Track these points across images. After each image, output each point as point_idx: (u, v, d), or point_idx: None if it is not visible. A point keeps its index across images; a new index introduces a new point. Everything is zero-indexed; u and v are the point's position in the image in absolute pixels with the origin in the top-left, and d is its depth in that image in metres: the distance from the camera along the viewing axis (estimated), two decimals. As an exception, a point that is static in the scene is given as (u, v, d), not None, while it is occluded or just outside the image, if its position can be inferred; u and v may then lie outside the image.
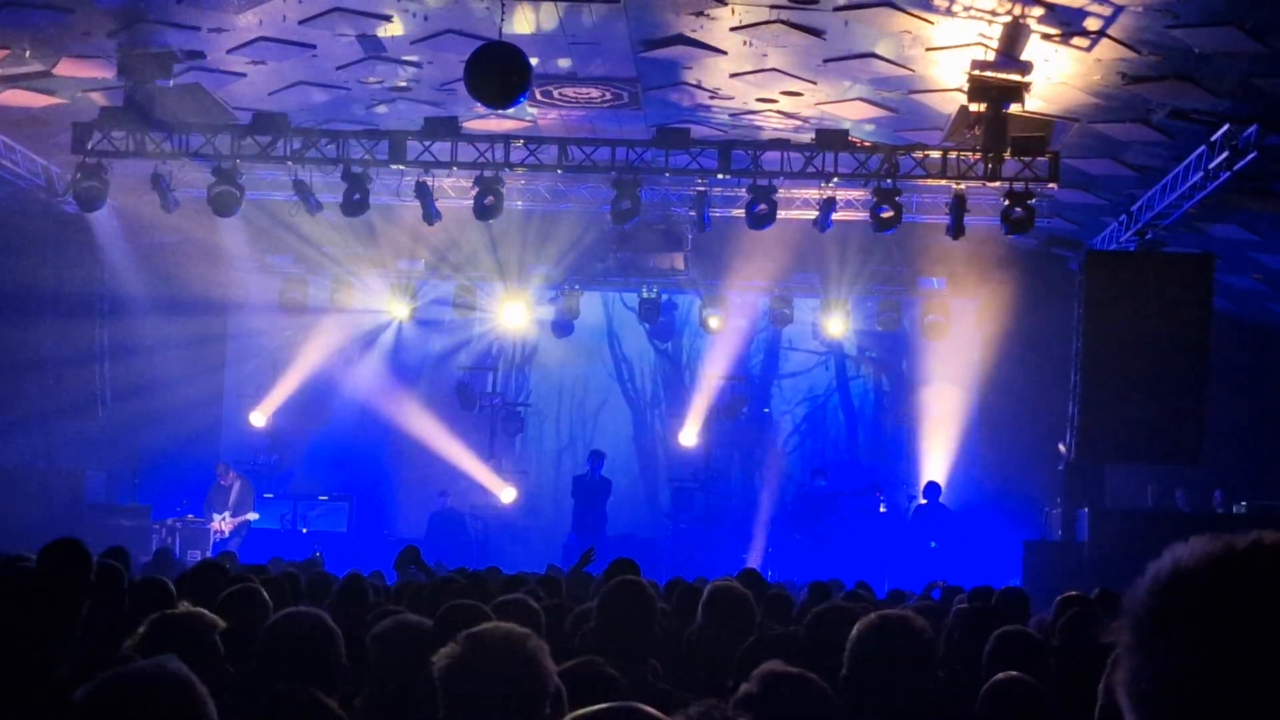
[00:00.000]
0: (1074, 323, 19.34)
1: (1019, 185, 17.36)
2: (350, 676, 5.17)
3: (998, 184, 17.51)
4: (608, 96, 17.24)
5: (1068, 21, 13.52)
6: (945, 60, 15.09)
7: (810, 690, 4.18)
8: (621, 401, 26.12)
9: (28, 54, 15.71)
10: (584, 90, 17.03)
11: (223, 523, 21.04)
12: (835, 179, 18.24)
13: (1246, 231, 18.79)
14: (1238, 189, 16.28)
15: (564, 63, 16.05)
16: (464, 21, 14.73)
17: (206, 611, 5.38)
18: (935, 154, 17.77)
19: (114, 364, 21.15)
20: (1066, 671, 6.11)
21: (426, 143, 18.24)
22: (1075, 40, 13.90)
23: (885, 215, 18.00)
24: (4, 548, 10.23)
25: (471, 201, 18.69)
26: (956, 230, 18.21)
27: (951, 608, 8.26)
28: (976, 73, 14.98)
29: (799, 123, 18.01)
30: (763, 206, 18.39)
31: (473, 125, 18.43)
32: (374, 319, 24.88)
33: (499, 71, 13.84)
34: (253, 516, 21.51)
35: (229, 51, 15.98)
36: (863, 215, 18.91)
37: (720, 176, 18.70)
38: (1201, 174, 16.14)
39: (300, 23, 14.90)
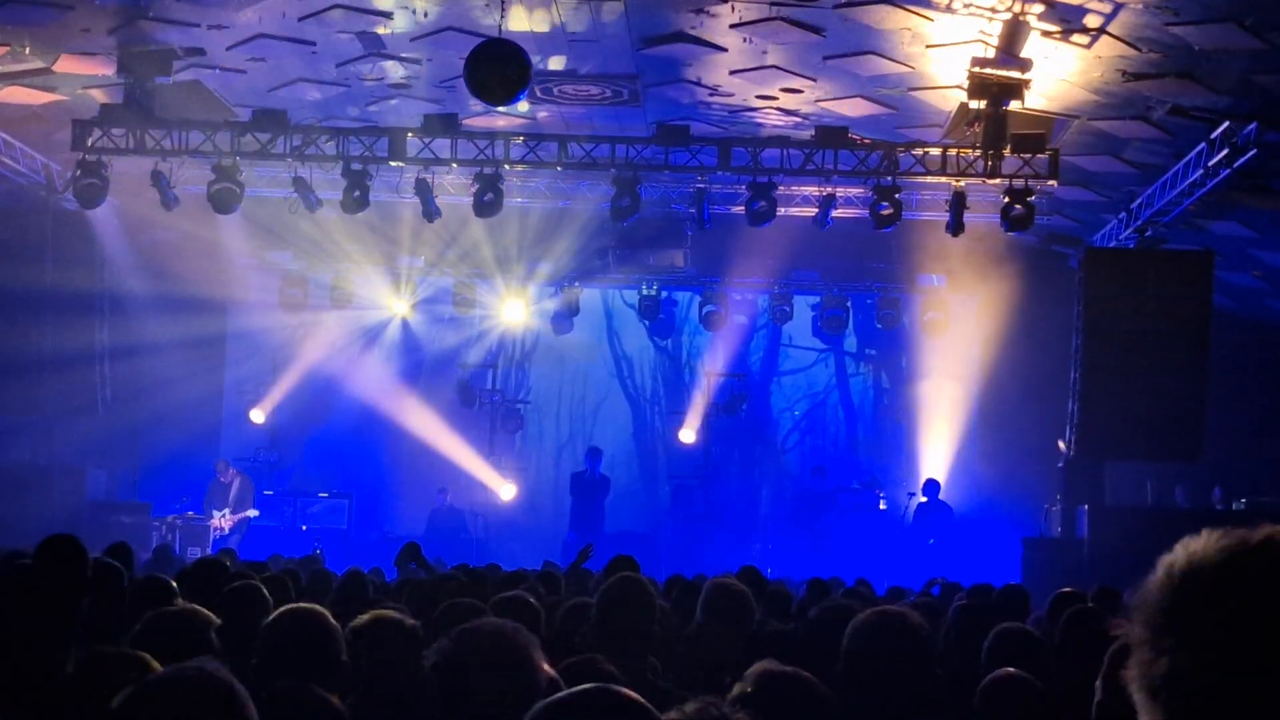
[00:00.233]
0: (1074, 320, 19.35)
1: (1019, 182, 17.36)
2: (350, 673, 5.17)
3: (997, 181, 17.51)
4: (607, 93, 17.24)
5: (1068, 18, 13.52)
6: (945, 57, 15.08)
7: (805, 689, 4.19)
8: (621, 398, 26.13)
9: (28, 51, 15.71)
10: (584, 87, 17.03)
11: (223, 520, 21.05)
12: (835, 176, 18.24)
13: (1246, 228, 18.79)
14: (1237, 186, 16.29)
15: (564, 60, 16.05)
16: (464, 18, 14.74)
17: (202, 609, 5.38)
18: (935, 151, 17.77)
19: (114, 361, 21.13)
20: (1064, 668, 6.11)
21: (426, 140, 18.24)
22: (1075, 37, 13.90)
23: (885, 212, 18.01)
24: (5, 545, 10.23)
25: (471, 199, 18.70)
26: (956, 227, 18.21)
27: (951, 605, 8.27)
28: (976, 70, 14.97)
29: (799, 120, 18.01)
30: (762, 203, 18.39)
31: (473, 122, 18.43)
32: (374, 316, 24.87)
33: (499, 68, 13.82)
34: (253, 513, 21.52)
35: (229, 48, 15.98)
36: (862, 212, 18.91)
37: (720, 173, 18.69)
38: (1201, 171, 16.14)
39: (300, 19, 14.90)
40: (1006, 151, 16.87)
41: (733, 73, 16.25)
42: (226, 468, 21.86)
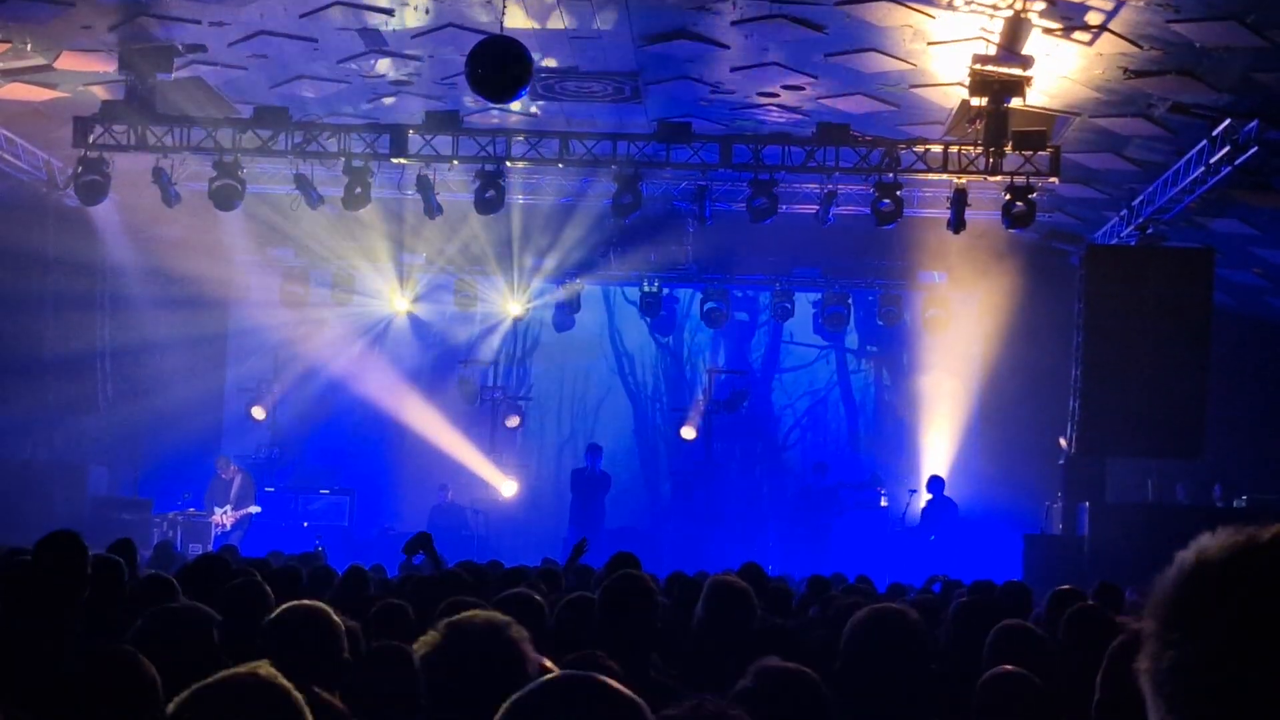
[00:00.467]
0: (1075, 317, 19.35)
1: (1020, 179, 17.37)
2: (352, 670, 5.18)
3: (999, 178, 17.52)
4: (609, 90, 17.24)
5: (1069, 16, 13.52)
6: (946, 54, 15.08)
7: (807, 685, 4.19)
8: (622, 395, 26.14)
9: (29, 47, 15.71)
10: (585, 84, 17.03)
11: (224, 516, 21.05)
12: (836, 173, 18.25)
13: (1247, 226, 18.78)
14: (1238, 184, 16.30)
15: (565, 57, 16.04)
16: (465, 15, 14.73)
17: (203, 605, 5.39)
18: (936, 148, 17.77)
19: (115, 358, 21.15)
20: (1064, 666, 6.12)
21: (428, 136, 18.24)
22: (1077, 34, 13.90)
23: (886, 209, 18.02)
24: (6, 542, 10.25)
25: (473, 195, 18.71)
26: (957, 224, 18.21)
27: (951, 602, 8.28)
28: (978, 67, 14.97)
29: (800, 116, 18.00)
30: (764, 200, 18.40)
31: (474, 119, 18.43)
32: (375, 313, 24.88)
33: (500, 65, 13.82)
34: (254, 510, 21.52)
35: (230, 45, 15.97)
36: (864, 209, 18.91)
37: (721, 170, 18.69)
38: (1202, 169, 16.14)
39: (301, 16, 14.90)
40: (1008, 148, 16.86)
41: (734, 69, 16.24)
42: (228, 464, 21.87)
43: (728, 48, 15.43)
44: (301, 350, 24.83)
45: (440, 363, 25.26)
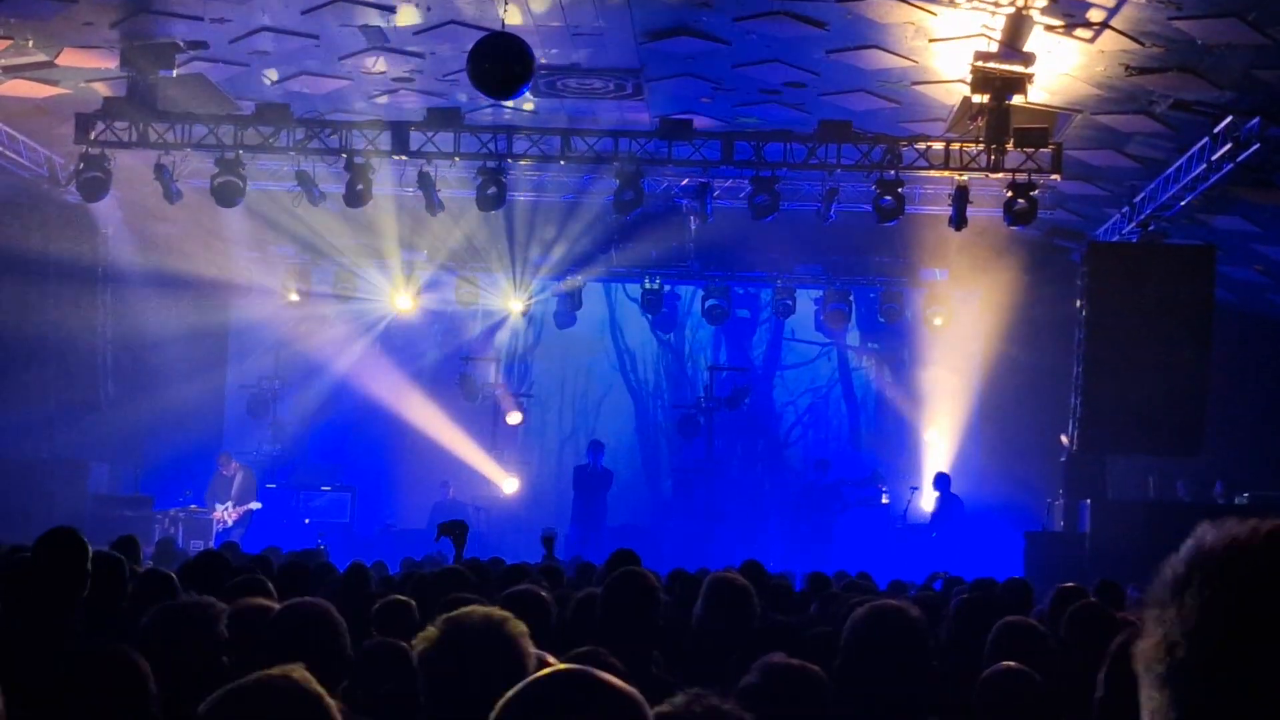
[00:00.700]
0: (1076, 314, 19.34)
1: (1021, 176, 17.36)
2: (353, 667, 5.18)
3: (1000, 175, 17.52)
4: (610, 87, 17.23)
5: (1071, 13, 13.52)
6: (948, 51, 15.08)
7: (812, 681, 4.20)
8: (624, 392, 26.17)
9: (30, 44, 15.71)
10: (587, 81, 17.03)
11: (226, 513, 21.06)
12: (838, 170, 18.24)
13: (1248, 223, 18.78)
14: (1240, 181, 16.29)
15: (567, 54, 16.04)
16: (466, 12, 14.73)
17: (215, 600, 5.38)
18: (938, 145, 17.77)
19: (117, 355, 21.16)
20: (1066, 663, 6.12)
21: (429, 133, 18.24)
22: (1078, 31, 13.89)
23: (887, 206, 18.01)
24: (7, 539, 10.26)
25: (474, 192, 18.71)
26: (959, 221, 18.21)
27: (952, 599, 8.28)
28: (979, 64, 14.97)
29: (802, 113, 18.00)
30: (765, 197, 18.39)
31: (476, 116, 18.43)
32: (376, 309, 24.88)
33: (502, 62, 13.82)
34: (255, 506, 21.52)
35: (231, 42, 15.98)
36: (865, 206, 18.90)
37: (723, 167, 18.68)
38: (1204, 166, 16.14)
39: (303, 13, 14.90)
40: (1009, 146, 16.86)
41: (736, 66, 16.24)
42: (229, 461, 21.88)
43: (729, 44, 15.42)
44: (303, 347, 24.86)
45: (442, 360, 25.28)
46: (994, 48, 14.60)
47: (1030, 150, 17.13)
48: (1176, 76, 14.56)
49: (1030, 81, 15.21)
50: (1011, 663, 5.37)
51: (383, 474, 24.76)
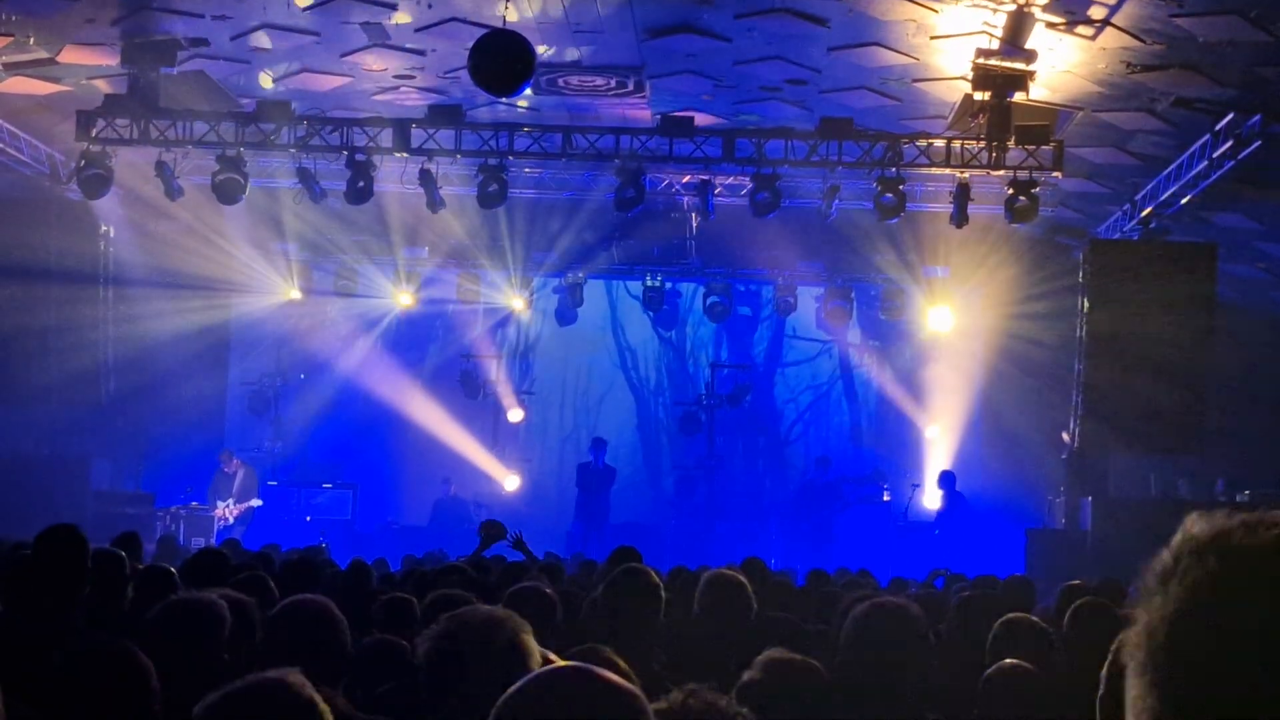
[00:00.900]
0: (1077, 311, 19.34)
1: (1023, 174, 17.36)
2: (354, 664, 5.19)
3: (1002, 172, 17.51)
4: (612, 84, 17.22)
5: (1072, 10, 13.51)
6: (950, 49, 15.07)
7: (812, 677, 4.20)
8: (625, 389, 26.15)
9: (32, 41, 15.71)
10: (588, 78, 17.02)
11: (227, 510, 21.06)
12: (839, 167, 18.23)
13: (1250, 220, 18.78)
14: (1241, 178, 16.28)
15: (568, 51, 16.03)
16: (468, 9, 14.72)
17: (216, 597, 5.38)
18: (939, 142, 17.76)
19: (118, 352, 21.16)
20: (1070, 660, 6.12)
21: (430, 130, 18.24)
22: (1080, 29, 13.89)
23: (889, 204, 18.00)
24: (9, 536, 10.25)
25: (476, 189, 18.71)
26: (960, 219, 18.21)
27: (953, 596, 8.28)
28: (981, 61, 14.96)
29: (803, 111, 17.99)
30: (767, 195, 18.39)
31: (477, 113, 18.43)
32: (378, 306, 24.87)
33: (503, 59, 13.81)
34: (256, 504, 21.53)
35: (233, 38, 15.97)
36: (866, 204, 18.89)
37: (724, 164, 18.68)
38: (1205, 163, 16.14)
39: (304, 9, 14.90)
40: (1010, 143, 16.86)
41: (737, 63, 16.24)
42: (230, 458, 21.88)
43: (730, 41, 15.42)
44: (305, 345, 24.86)
45: (443, 357, 25.27)
46: (995, 45, 14.59)
47: (1031, 147, 17.12)
48: (1178, 74, 14.56)
49: (1032, 79, 15.20)
50: (1015, 660, 5.37)
51: (384, 471, 24.76)
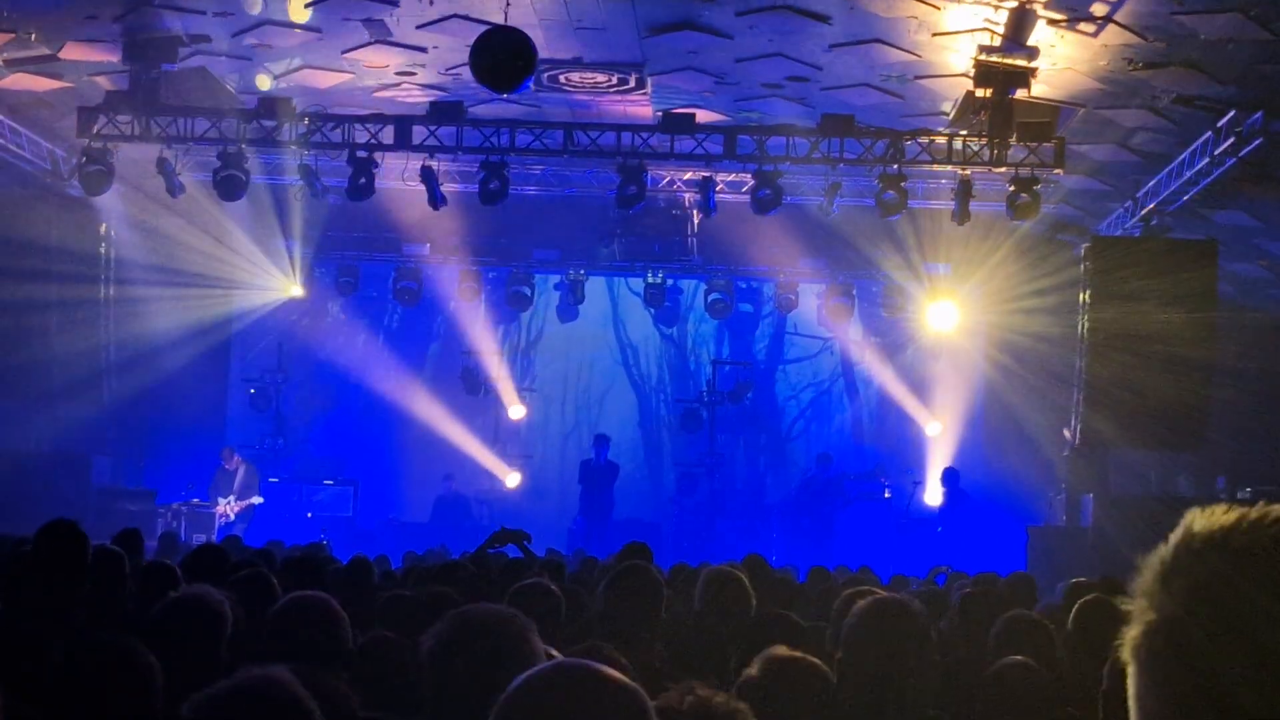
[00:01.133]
0: (1079, 308, 19.33)
1: (1024, 171, 17.35)
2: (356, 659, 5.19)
3: (1003, 169, 17.50)
4: (614, 81, 17.22)
5: (1074, 7, 13.51)
6: (952, 45, 15.07)
7: (813, 673, 4.20)
8: (626, 386, 26.16)
9: (33, 37, 15.71)
10: (590, 75, 17.01)
11: (228, 507, 21.06)
12: (841, 164, 18.22)
13: (1251, 218, 18.77)
14: (1242, 176, 16.27)
15: (570, 48, 16.02)
16: (470, 6, 14.72)
17: (215, 592, 5.39)
18: (941, 139, 17.74)
19: (120, 348, 21.17)
20: (1076, 656, 6.13)
21: (432, 127, 18.24)
22: (1082, 25, 13.88)
23: (890, 201, 17.99)
24: (9, 532, 10.26)
25: (477, 186, 18.71)
26: (962, 216, 18.21)
27: (955, 593, 8.28)
28: (983, 58, 14.96)
29: (805, 108, 17.99)
30: (768, 191, 18.39)
31: (478, 110, 18.42)
32: (379, 303, 24.88)
33: (504, 56, 13.81)
34: (257, 500, 21.53)
35: (234, 35, 15.97)
36: (868, 200, 18.88)
37: (726, 161, 18.67)
38: (1207, 160, 16.13)
39: (306, 6, 14.89)
40: (1012, 140, 16.85)
41: (739, 60, 16.23)
42: (231, 455, 21.87)
43: (732, 38, 15.41)
44: (306, 341, 24.87)
45: (444, 353, 25.28)
46: (997, 42, 14.59)
47: (1033, 144, 17.12)
48: (1179, 71, 14.55)
49: (1033, 76, 15.20)
50: (1020, 657, 5.37)
51: (386, 468, 24.77)
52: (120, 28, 15.74)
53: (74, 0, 14.71)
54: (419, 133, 18.30)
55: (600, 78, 17.11)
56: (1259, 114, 14.94)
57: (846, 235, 22.05)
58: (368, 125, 18.34)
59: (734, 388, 24.50)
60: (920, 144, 17.89)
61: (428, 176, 18.90)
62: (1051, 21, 13.93)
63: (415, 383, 24.84)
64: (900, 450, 24.39)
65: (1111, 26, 13.66)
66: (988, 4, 13.79)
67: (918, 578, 13.70)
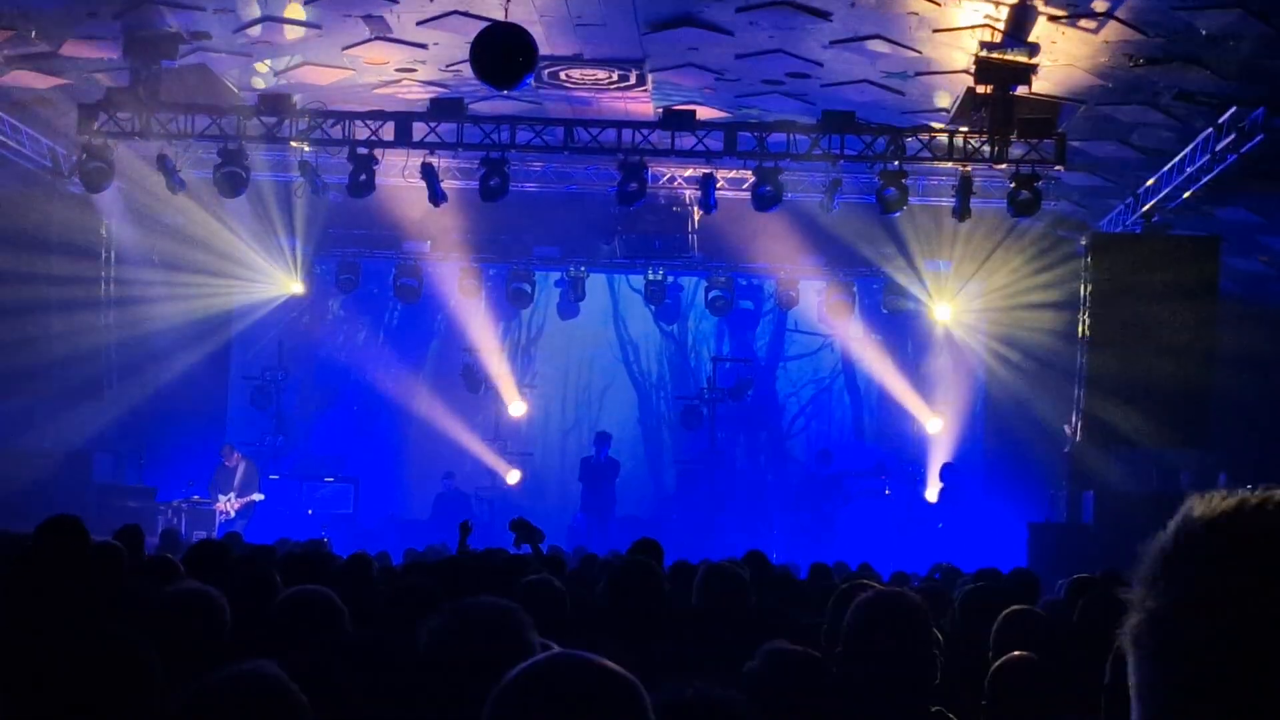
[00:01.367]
0: (1079, 305, 19.32)
1: (1025, 167, 17.33)
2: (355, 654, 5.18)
3: (1004, 166, 17.48)
4: (614, 78, 17.21)
5: (1075, 3, 13.50)
6: (952, 42, 15.06)
7: (812, 667, 4.20)
8: (627, 383, 26.16)
9: (34, 34, 15.70)
10: (590, 71, 17.01)
11: (228, 504, 21.05)
12: (841, 161, 18.21)
13: (1252, 214, 18.76)
14: (1244, 171, 16.26)
15: (570, 44, 16.02)
16: (470, 2, 14.71)
17: (212, 588, 5.39)
18: (942, 136, 17.73)
19: (120, 345, 21.16)
20: (1080, 652, 6.12)
21: (432, 124, 18.23)
22: (1082, 22, 13.87)
23: (891, 197, 17.97)
24: (10, 529, 10.27)
25: (477, 183, 18.70)
26: (963, 212, 18.20)
27: (956, 589, 8.27)
28: (984, 54, 14.95)
29: (805, 104, 17.98)
30: (769, 188, 18.38)
31: (479, 107, 18.42)
32: (379, 300, 24.88)
33: (505, 53, 13.81)
34: (258, 497, 21.52)
35: (234, 32, 15.97)
36: (869, 197, 18.87)
37: (726, 158, 18.66)
38: (1208, 156, 16.11)
39: (306, 2, 14.89)
40: (1013, 137, 16.84)
41: (739, 57, 16.22)
42: (231, 452, 21.87)
43: (732, 35, 15.40)
44: (306, 338, 24.87)
45: (444, 350, 25.28)
46: (998, 38, 14.58)
47: (1034, 141, 17.10)
48: (1180, 67, 14.54)
49: (1034, 72, 15.19)
50: (1024, 652, 5.37)
51: (386, 465, 24.77)
52: (120, 25, 15.74)
53: (74, -3, 14.72)
54: (419, 129, 18.28)
55: (601, 74, 17.11)
56: (1260, 110, 14.93)
57: (847, 232, 22.06)
58: (368, 122, 18.32)
59: (734, 385, 24.50)
60: (921, 140, 17.87)
61: (428, 173, 18.89)
62: (1052, 18, 13.92)
63: (416, 380, 24.86)
64: (901, 447, 24.39)
65: (1112, 22, 13.65)
66: (989, 1, 13.79)
67: (918, 574, 13.69)
